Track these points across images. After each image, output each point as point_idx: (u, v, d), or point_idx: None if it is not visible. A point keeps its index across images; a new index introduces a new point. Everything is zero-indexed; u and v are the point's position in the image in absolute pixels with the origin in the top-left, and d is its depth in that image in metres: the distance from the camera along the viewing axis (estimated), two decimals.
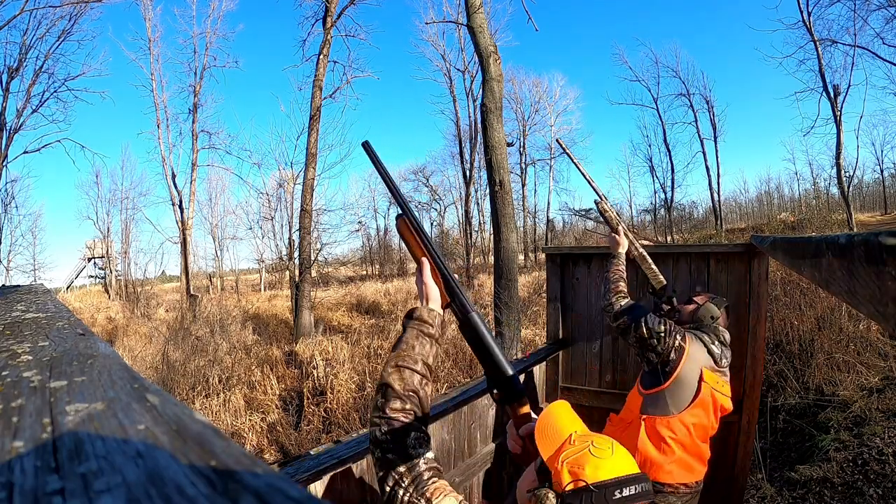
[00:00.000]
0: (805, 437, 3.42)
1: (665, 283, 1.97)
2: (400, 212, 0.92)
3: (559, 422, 0.81)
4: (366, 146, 0.95)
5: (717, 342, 1.73)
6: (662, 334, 1.69)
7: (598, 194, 2.05)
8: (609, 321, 1.83)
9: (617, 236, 2.01)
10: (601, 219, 2.08)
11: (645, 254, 1.99)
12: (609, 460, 0.74)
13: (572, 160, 2.09)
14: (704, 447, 1.72)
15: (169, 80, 23.57)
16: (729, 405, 1.71)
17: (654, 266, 1.97)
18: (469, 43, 12.87)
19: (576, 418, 0.82)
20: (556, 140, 2.12)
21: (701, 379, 1.66)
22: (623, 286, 1.86)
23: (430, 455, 0.79)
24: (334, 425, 5.67)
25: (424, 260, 0.90)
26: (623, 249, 1.99)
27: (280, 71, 37.55)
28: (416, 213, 0.92)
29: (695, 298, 1.86)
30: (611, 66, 66.13)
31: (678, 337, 1.69)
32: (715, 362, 1.70)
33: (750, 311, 2.13)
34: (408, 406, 0.81)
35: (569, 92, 28.67)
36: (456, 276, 0.89)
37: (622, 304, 1.81)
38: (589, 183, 2.07)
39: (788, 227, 14.33)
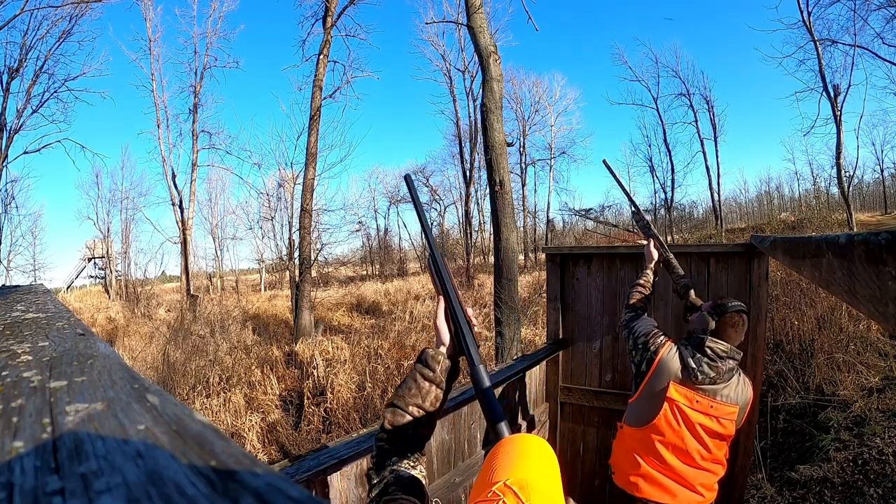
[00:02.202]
0: (805, 437, 3.42)
1: (684, 285, 1.93)
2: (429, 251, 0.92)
3: (503, 461, 0.66)
4: (407, 179, 0.97)
5: (696, 355, 1.60)
6: (640, 345, 1.68)
7: (635, 206, 2.07)
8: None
9: (650, 248, 1.99)
10: (639, 227, 2.08)
11: (670, 258, 1.96)
12: None
13: (615, 178, 2.09)
14: (692, 472, 1.59)
15: (169, 80, 23.72)
16: (718, 427, 1.59)
17: (678, 270, 1.95)
18: (469, 43, 12.88)
19: (532, 464, 0.65)
20: (603, 161, 2.11)
21: (666, 394, 1.58)
22: (635, 300, 1.84)
23: (395, 481, 0.74)
24: (334, 425, 5.67)
25: (441, 300, 0.89)
26: (652, 263, 1.96)
27: (280, 71, 37.68)
28: (440, 254, 0.92)
29: (700, 306, 1.76)
30: (611, 66, 66.16)
31: (652, 347, 1.66)
32: (689, 377, 1.59)
33: (750, 311, 2.13)
34: (391, 439, 0.80)
35: (569, 92, 28.73)
36: (471, 320, 0.86)
37: (625, 316, 1.82)
38: (628, 196, 2.11)
39: (788, 227, 14.34)
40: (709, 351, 1.59)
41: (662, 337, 1.69)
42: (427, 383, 0.83)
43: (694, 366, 1.59)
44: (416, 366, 0.86)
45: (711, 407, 1.58)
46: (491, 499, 0.59)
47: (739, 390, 1.63)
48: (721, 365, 1.59)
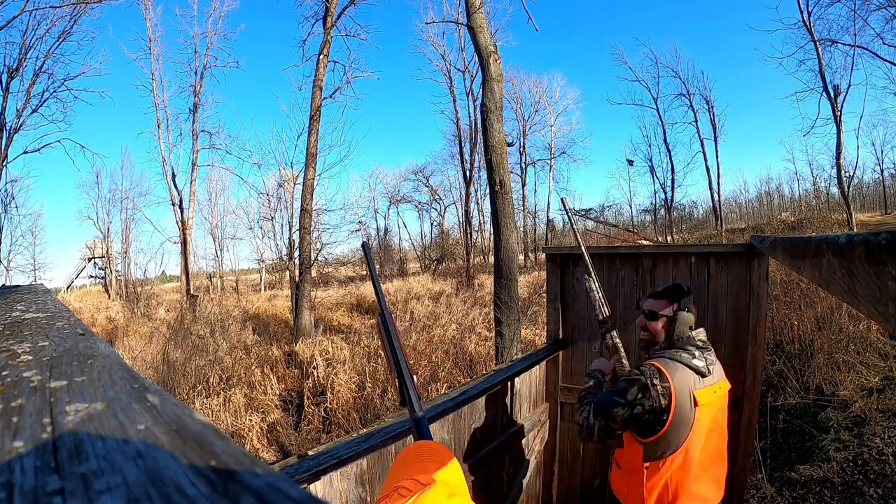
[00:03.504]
0: (805, 437, 3.42)
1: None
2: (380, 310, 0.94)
3: (400, 467, 0.66)
4: (364, 247, 1.03)
5: (696, 352, 1.55)
6: (640, 396, 1.46)
7: (601, 312, 1.94)
8: (587, 439, 1.53)
9: (611, 362, 1.82)
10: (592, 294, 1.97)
11: (623, 363, 1.87)
12: None
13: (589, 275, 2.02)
14: (720, 466, 1.59)
15: (169, 79, 23.76)
16: (725, 402, 1.61)
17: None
18: (469, 43, 12.87)
19: (424, 463, 0.65)
20: (562, 200, 2.02)
21: (695, 404, 1.51)
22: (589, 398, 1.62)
23: None
24: (334, 425, 5.67)
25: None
26: (608, 369, 1.80)
27: (280, 71, 37.72)
28: (391, 314, 0.94)
29: (661, 313, 1.61)
30: (611, 66, 66.19)
31: (656, 380, 1.48)
32: (702, 375, 1.54)
33: (750, 311, 2.13)
34: None
35: (569, 92, 28.76)
36: (412, 375, 0.87)
37: (584, 413, 1.54)
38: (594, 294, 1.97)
39: (789, 227, 14.35)
40: (700, 343, 1.58)
41: (642, 366, 1.53)
42: None
43: (702, 364, 1.54)
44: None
45: (719, 388, 1.57)
46: (395, 494, 0.58)
47: (717, 364, 1.63)
48: (710, 351, 1.59)
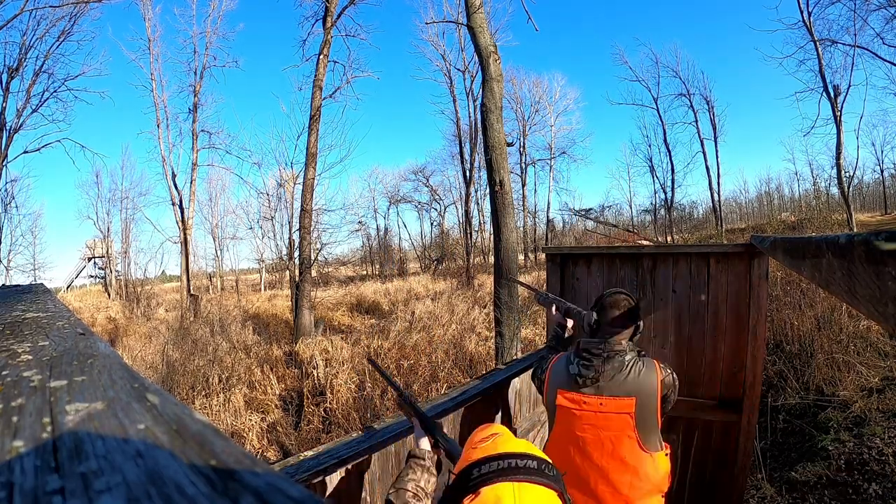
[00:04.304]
0: (805, 437, 3.42)
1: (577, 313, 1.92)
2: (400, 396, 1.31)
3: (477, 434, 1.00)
4: (371, 361, 1.48)
5: (575, 360, 1.57)
6: (537, 373, 1.71)
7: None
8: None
9: (551, 313, 2.05)
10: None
11: (569, 308, 1.95)
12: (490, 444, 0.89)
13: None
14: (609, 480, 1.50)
15: (169, 79, 23.69)
16: (614, 424, 1.51)
17: (575, 308, 1.97)
18: (469, 43, 12.88)
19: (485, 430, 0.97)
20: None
21: (556, 403, 1.57)
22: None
23: None
24: (334, 425, 5.67)
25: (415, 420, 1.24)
26: (555, 324, 2.01)
27: (280, 71, 37.67)
28: (409, 394, 1.30)
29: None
30: (611, 66, 66.31)
31: (545, 364, 1.67)
32: (573, 383, 1.55)
33: (750, 311, 2.13)
34: None
35: (569, 92, 28.77)
36: (434, 421, 1.23)
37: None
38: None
39: (789, 227, 14.35)
40: (584, 353, 1.56)
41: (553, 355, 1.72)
42: (420, 468, 1.11)
43: (575, 370, 1.55)
44: (409, 459, 1.14)
45: (601, 405, 1.52)
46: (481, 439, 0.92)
47: (630, 379, 1.52)
48: (598, 363, 1.53)
